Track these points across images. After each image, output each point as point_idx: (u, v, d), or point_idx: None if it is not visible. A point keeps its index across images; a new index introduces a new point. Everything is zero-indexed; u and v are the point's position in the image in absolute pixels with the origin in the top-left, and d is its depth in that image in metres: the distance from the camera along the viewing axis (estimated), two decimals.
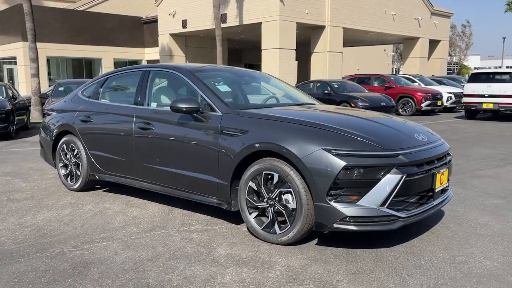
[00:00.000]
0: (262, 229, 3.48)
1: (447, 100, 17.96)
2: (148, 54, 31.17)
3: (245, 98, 4.71)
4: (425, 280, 2.82)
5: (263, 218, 3.51)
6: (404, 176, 3.13)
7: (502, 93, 14.59)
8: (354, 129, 3.36)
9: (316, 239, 3.50)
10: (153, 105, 4.58)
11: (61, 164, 5.35)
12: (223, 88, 4.46)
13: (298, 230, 3.27)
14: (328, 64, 24.61)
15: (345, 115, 3.95)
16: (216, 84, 4.47)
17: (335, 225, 3.13)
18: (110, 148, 4.70)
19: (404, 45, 33.14)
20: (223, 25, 21.92)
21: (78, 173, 5.12)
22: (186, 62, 27.64)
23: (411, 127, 3.76)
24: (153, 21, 28.91)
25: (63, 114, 5.33)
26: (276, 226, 3.41)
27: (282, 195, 3.35)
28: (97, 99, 5.10)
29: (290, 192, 3.30)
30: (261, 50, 23.01)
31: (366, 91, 15.98)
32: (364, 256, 3.20)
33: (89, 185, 5.17)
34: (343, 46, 25.88)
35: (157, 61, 28.99)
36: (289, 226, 3.32)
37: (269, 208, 3.44)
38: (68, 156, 5.21)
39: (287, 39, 22.42)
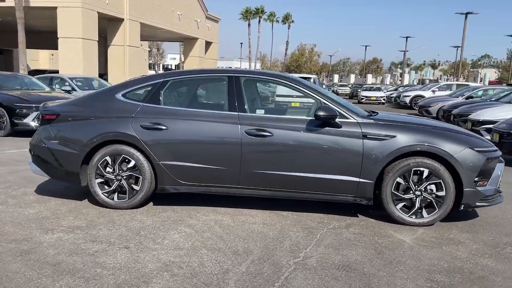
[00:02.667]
0: (408, 216, 4.23)
1: None
2: None
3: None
4: None
5: (405, 208, 4.26)
6: (504, 163, 4.47)
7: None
8: (466, 132, 4.53)
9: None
10: (260, 112, 4.54)
11: (99, 180, 4.50)
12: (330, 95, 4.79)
13: (443, 212, 4.20)
14: (128, 58, 24.04)
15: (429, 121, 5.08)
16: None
17: (477, 204, 4.22)
18: (200, 157, 4.37)
19: (185, 44, 35.00)
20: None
21: (136, 187, 4.47)
22: None
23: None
24: None
25: (95, 121, 4.48)
26: (424, 212, 4.23)
27: (428, 187, 4.20)
28: (158, 104, 4.55)
29: (435, 184, 4.18)
30: (58, 38, 20.66)
31: None
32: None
33: (147, 201, 4.58)
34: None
35: None
36: (436, 210, 4.21)
37: (416, 198, 4.22)
38: (114, 169, 4.45)
39: (90, 29, 20.92)
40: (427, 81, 65.28)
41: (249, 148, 4.30)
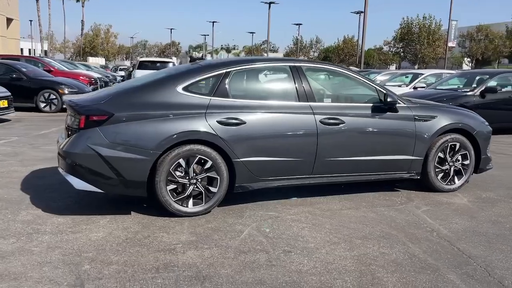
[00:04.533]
0: (446, 184, 4.97)
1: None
2: None
3: None
4: None
5: (443, 178, 4.98)
6: None
7: None
8: (472, 112, 5.49)
9: None
10: (327, 100, 4.55)
11: (170, 187, 3.90)
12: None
13: (468, 177, 5.08)
14: None
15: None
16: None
17: (486, 167, 5.22)
18: (278, 151, 4.20)
19: None
20: None
21: (213, 189, 4.02)
22: None
23: None
24: None
25: (160, 120, 3.84)
26: (456, 178, 5.01)
27: (458, 157, 5.01)
28: (227, 97, 4.13)
29: (462, 154, 5.00)
30: None
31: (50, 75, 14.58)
32: None
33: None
34: None
35: None
36: (464, 176, 5.04)
37: (450, 168, 4.98)
38: (187, 172, 3.92)
39: None
40: None
41: (324, 137, 4.36)
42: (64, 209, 4.15)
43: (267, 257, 3.17)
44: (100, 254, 3.18)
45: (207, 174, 4.00)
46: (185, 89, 4.05)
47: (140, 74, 16.84)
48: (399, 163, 4.73)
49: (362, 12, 51.04)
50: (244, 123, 4.07)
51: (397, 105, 4.66)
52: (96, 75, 18.86)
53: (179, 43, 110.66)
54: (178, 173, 3.92)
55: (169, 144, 3.83)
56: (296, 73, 4.42)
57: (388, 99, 4.54)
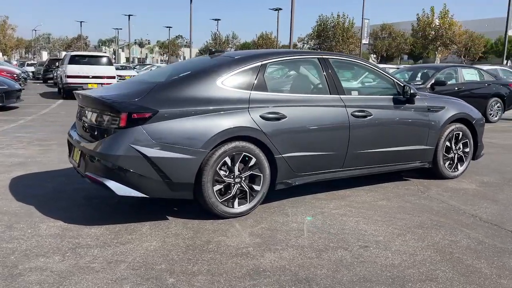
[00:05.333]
0: (451, 171, 5.22)
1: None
2: None
3: None
4: None
5: (448, 165, 5.23)
6: None
7: (102, 74, 16.39)
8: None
9: None
10: (354, 93, 4.51)
11: (217, 188, 3.63)
12: None
13: (468, 164, 5.38)
14: None
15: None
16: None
17: (481, 154, 5.56)
18: (317, 145, 4.11)
19: None
20: None
21: (257, 187, 3.82)
22: None
23: None
24: None
25: (204, 116, 3.56)
26: (459, 165, 5.28)
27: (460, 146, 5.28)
28: (266, 91, 3.93)
29: (463, 143, 5.29)
30: None
31: None
32: None
33: None
34: None
35: None
36: (465, 163, 5.33)
37: (454, 156, 5.23)
38: (232, 171, 3.69)
39: None
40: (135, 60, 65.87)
41: (356, 130, 4.35)
42: (89, 218, 3.69)
43: (350, 254, 3.08)
44: (173, 265, 2.87)
45: (251, 172, 3.80)
46: (224, 83, 3.80)
47: (73, 69, 15.68)
48: (416, 153, 4.88)
49: (280, 9, 52.30)
50: (285, 117, 3.92)
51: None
52: (17, 71, 17.16)
53: (87, 37, 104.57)
54: (222, 172, 3.67)
55: (217, 141, 3.57)
56: (325, 66, 4.36)
57: (412, 91, 4.66)
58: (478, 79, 11.63)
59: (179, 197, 3.58)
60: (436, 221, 3.78)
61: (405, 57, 70.14)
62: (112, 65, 16.79)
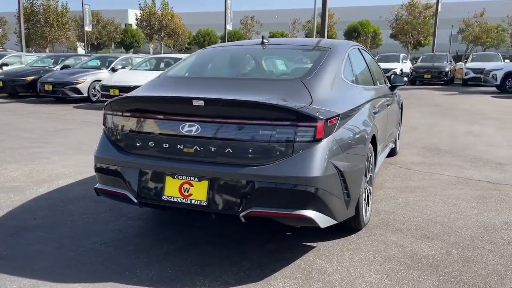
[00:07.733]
0: None
1: None
2: None
3: None
4: None
5: None
6: None
7: None
8: None
9: None
10: (378, 83, 4.56)
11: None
12: None
13: None
14: None
15: None
16: None
17: None
18: (382, 137, 4.18)
19: None
20: None
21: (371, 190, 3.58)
22: None
23: None
24: None
25: (358, 117, 3.13)
26: None
27: None
28: (358, 83, 3.64)
29: None
30: None
31: None
32: None
33: None
34: None
35: None
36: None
37: None
38: (365, 175, 3.35)
39: None
40: None
41: (388, 118, 4.57)
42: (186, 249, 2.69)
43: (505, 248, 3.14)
44: None
45: (371, 174, 3.54)
46: (344, 77, 3.37)
47: None
48: (394, 134, 5.42)
49: None
50: (378, 111, 3.81)
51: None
52: None
53: None
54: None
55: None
56: (363, 56, 4.34)
57: (396, 81, 5.07)
58: None
59: (345, 217, 2.95)
60: (481, 196, 4.42)
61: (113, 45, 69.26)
62: None
